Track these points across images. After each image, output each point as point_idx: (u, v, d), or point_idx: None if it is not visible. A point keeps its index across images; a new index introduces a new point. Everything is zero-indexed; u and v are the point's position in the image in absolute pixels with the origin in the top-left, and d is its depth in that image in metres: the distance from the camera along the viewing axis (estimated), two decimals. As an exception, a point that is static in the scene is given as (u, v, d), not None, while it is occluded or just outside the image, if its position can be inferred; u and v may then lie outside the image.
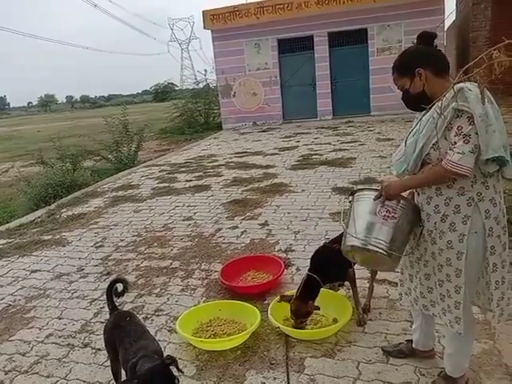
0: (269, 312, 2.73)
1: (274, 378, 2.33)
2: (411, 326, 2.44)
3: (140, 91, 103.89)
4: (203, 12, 14.17)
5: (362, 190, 2.09)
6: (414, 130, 1.91)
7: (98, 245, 4.66)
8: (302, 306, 2.57)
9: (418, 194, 1.98)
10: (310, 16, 13.12)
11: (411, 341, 2.36)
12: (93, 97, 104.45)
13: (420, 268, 2.03)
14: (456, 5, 15.90)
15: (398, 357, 2.37)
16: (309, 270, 2.68)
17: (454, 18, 15.80)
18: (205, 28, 14.30)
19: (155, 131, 16.96)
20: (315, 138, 10.58)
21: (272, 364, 2.44)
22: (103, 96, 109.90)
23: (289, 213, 5.05)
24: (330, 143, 9.62)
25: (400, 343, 2.45)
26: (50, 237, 5.05)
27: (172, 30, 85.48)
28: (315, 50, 13.60)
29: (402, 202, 1.93)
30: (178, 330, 2.66)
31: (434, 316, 2.07)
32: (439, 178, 1.81)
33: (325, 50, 13.53)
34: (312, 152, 8.76)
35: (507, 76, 1.83)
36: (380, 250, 1.90)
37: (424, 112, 1.91)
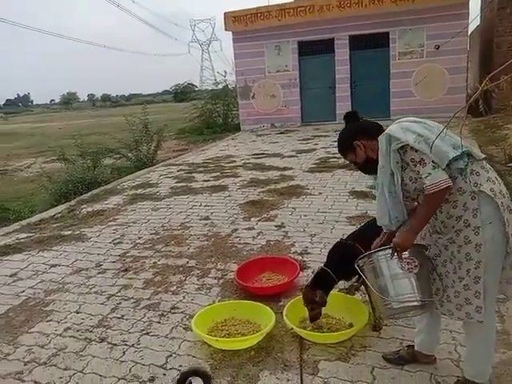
0: (284, 313, 2.74)
1: (288, 380, 2.33)
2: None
3: (160, 91, 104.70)
4: (225, 14, 14.26)
5: (372, 254, 2.09)
6: (378, 187, 2.06)
7: (116, 241, 4.73)
8: (310, 292, 2.63)
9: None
10: (331, 19, 13.07)
11: (412, 346, 2.35)
12: (114, 95, 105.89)
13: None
14: (481, 9, 15.65)
15: (398, 363, 2.35)
16: (324, 265, 2.75)
17: (478, 23, 15.56)
18: (226, 30, 14.39)
19: (174, 131, 17.12)
20: (333, 141, 10.50)
21: (286, 365, 2.44)
22: (124, 95, 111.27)
23: (305, 215, 5.04)
24: (348, 147, 9.55)
25: (399, 350, 2.43)
26: (69, 232, 5.14)
27: (193, 30, 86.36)
28: (336, 52, 13.54)
29: (412, 248, 1.99)
30: (193, 329, 2.69)
31: (443, 315, 2.09)
32: (434, 204, 1.90)
33: (345, 53, 13.46)
34: (330, 155, 8.73)
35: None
36: (417, 303, 1.96)
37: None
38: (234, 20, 14.11)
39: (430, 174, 1.83)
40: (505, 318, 2.69)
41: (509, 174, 6.02)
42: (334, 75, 13.74)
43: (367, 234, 2.62)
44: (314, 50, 13.85)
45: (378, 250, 2.08)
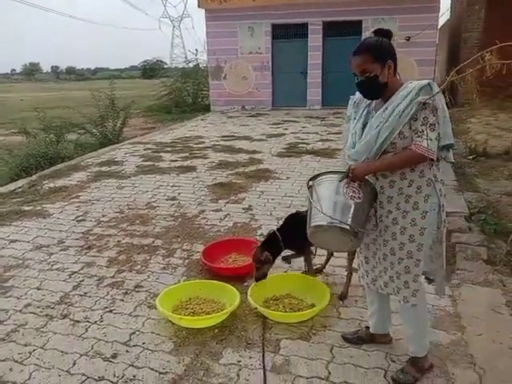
0: (248, 293, 2.79)
1: (250, 357, 2.39)
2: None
3: (128, 66, 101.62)
4: (198, -10, 13.93)
5: (324, 173, 2.12)
6: (376, 123, 1.98)
7: (79, 219, 4.63)
8: (259, 252, 2.84)
9: (378, 178, 2.06)
10: (305, 3, 13.02)
11: (369, 327, 2.46)
12: (79, 69, 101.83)
13: (377, 248, 2.13)
14: (451, 4, 15.99)
15: (357, 343, 2.46)
16: (277, 229, 2.96)
17: (448, 17, 15.90)
18: (199, 6, 14.07)
19: (142, 108, 16.71)
20: (303, 127, 10.61)
21: (249, 344, 2.50)
22: (89, 69, 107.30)
23: (273, 199, 5.09)
24: (317, 133, 9.66)
25: (358, 330, 2.54)
26: (30, 208, 4.99)
27: (165, 6, 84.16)
28: (309, 38, 13.53)
29: (364, 183, 2.02)
30: (157, 307, 2.69)
31: (390, 295, 2.21)
32: (409, 162, 1.95)
33: (318, 39, 13.47)
34: (299, 140, 8.80)
35: (495, 79, 1.90)
36: (347, 227, 1.94)
37: (368, 104, 2.09)
38: (207, -3, 13.81)
39: (431, 140, 1.87)
40: (457, 302, 2.84)
41: (468, 167, 6.27)
42: (306, 61, 13.75)
43: None
44: (288, 34, 13.79)
45: (330, 172, 2.11)
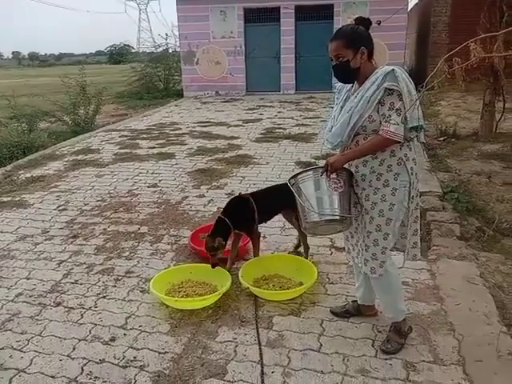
0: (239, 274, 2.89)
1: (245, 334, 2.50)
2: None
3: (93, 51, 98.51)
4: (168, -27, 13.66)
5: (304, 171, 2.25)
6: (348, 108, 2.13)
7: (61, 208, 4.61)
8: (211, 240, 2.92)
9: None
10: (277, -13, 12.99)
11: (356, 301, 2.60)
12: (42, 54, 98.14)
13: (358, 223, 2.26)
14: (419, -12, 16.25)
15: (344, 316, 2.60)
16: (221, 213, 3.07)
17: (417, 1, 16.16)
18: (169, -10, 13.82)
19: (112, 95, 16.35)
20: (278, 112, 10.68)
21: (242, 322, 2.61)
22: (53, 54, 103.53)
23: (254, 184, 5.17)
24: (292, 118, 9.77)
25: (345, 304, 2.68)
26: (9, 198, 4.91)
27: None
28: (281, 22, 13.54)
29: (341, 171, 2.17)
30: (151, 291, 2.76)
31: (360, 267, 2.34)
32: (379, 146, 2.09)
33: (291, 23, 13.50)
34: (275, 126, 8.88)
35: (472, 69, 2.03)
36: (337, 217, 2.14)
37: (349, 89, 2.22)
38: (177, -20, 13.57)
39: (398, 124, 2.00)
40: (436, 276, 3.02)
41: (440, 148, 6.52)
42: (279, 45, 13.78)
43: (263, 194, 3.30)
44: (260, 18, 13.74)
45: (309, 169, 2.24)
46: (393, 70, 2.02)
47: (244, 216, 3.07)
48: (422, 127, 2.10)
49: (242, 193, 3.40)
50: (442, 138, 6.94)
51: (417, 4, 16.26)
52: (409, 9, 13.70)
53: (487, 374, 2.14)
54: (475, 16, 6.69)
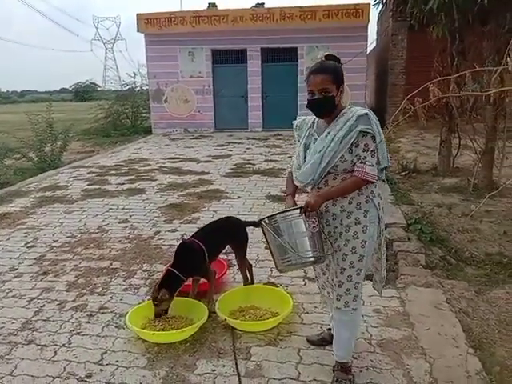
0: (216, 306, 2.91)
1: (224, 366, 2.50)
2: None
3: (58, 89, 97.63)
4: (137, 15, 14.01)
5: (279, 213, 2.21)
6: (320, 147, 2.15)
7: (29, 245, 4.50)
8: (156, 291, 2.86)
9: None
10: (244, 30, 13.54)
11: (331, 329, 2.65)
12: (4, 91, 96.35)
13: (330, 260, 2.29)
14: (377, 34, 17.35)
15: (321, 344, 2.65)
16: (171, 264, 3.01)
17: (375, 46, 17.20)
18: (138, 31, 14.12)
19: (78, 132, 16.21)
20: (247, 148, 10.92)
21: (220, 353, 2.62)
22: (16, 91, 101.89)
23: (226, 217, 5.23)
24: (261, 154, 10.00)
25: (321, 332, 2.75)
26: (-27, 236, 4.76)
27: (97, 28, 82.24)
28: (248, 63, 14.04)
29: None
30: (128, 325, 2.74)
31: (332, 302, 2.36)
32: (356, 187, 2.14)
33: (257, 65, 14.01)
34: (245, 161, 9.06)
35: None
36: (313, 259, 2.16)
37: (310, 125, 2.29)
38: (146, 22, 13.94)
39: (373, 165, 2.10)
40: (405, 302, 3.15)
41: (401, 182, 6.84)
42: (246, 85, 14.21)
43: (205, 232, 3.27)
44: (228, 59, 14.20)
45: (285, 211, 2.22)
46: (366, 113, 2.10)
47: (194, 263, 3.01)
48: (389, 167, 2.23)
49: (186, 236, 3.33)
50: (403, 173, 7.29)
51: (374, 49, 17.30)
52: (367, 52, 14.54)
53: (458, 394, 2.24)
54: (428, 60, 7.23)
